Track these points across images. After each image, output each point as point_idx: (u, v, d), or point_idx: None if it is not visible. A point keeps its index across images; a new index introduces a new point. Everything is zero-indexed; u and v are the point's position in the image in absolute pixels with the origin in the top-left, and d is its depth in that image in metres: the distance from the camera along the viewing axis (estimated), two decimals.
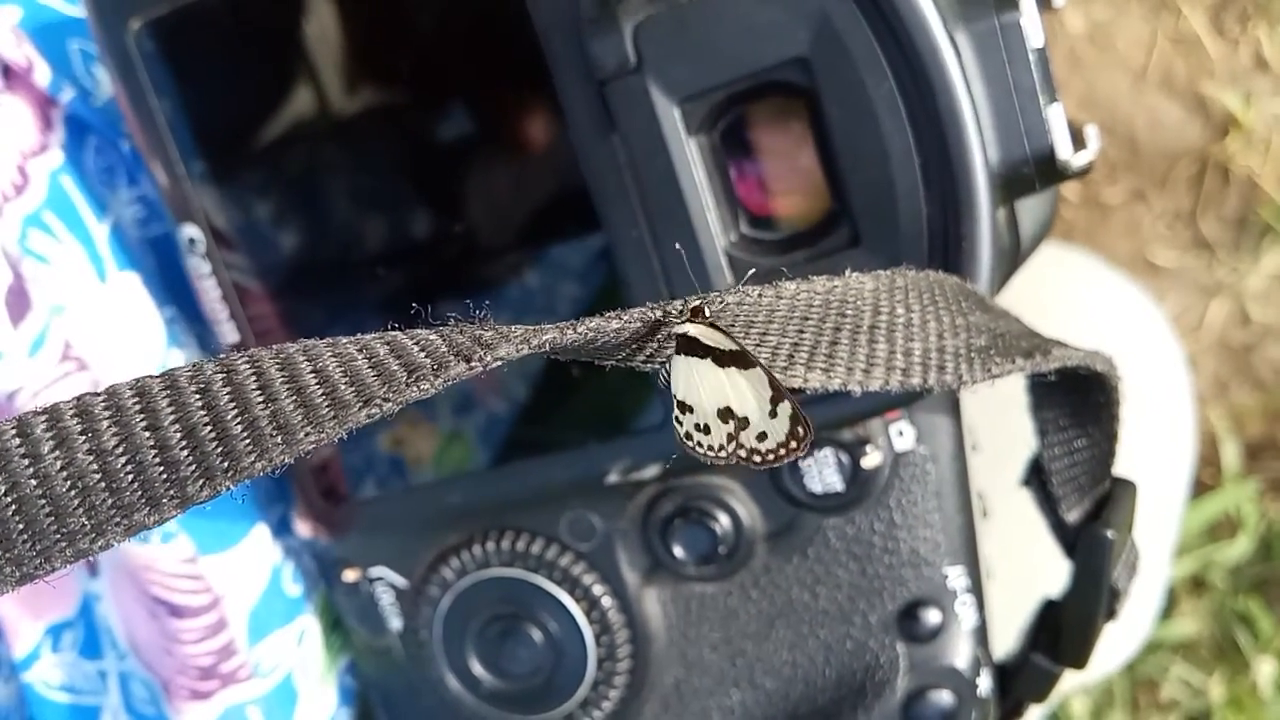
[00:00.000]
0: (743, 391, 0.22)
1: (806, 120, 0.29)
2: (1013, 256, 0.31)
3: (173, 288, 0.37)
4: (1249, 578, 0.86)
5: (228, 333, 0.35)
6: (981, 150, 0.28)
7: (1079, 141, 0.29)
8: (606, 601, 0.35)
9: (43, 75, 0.34)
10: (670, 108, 0.29)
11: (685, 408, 0.22)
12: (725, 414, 0.22)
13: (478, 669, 0.37)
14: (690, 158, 0.30)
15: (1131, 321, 0.57)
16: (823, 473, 0.32)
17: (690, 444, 0.23)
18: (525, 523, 0.35)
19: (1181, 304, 0.89)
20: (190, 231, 0.35)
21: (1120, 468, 0.33)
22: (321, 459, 0.36)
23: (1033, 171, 0.29)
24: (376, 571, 0.37)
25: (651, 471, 0.33)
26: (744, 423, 0.22)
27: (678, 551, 0.34)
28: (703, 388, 0.22)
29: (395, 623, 0.38)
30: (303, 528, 0.37)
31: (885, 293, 0.24)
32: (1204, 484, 0.85)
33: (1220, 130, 0.87)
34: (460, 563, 0.36)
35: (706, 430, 0.22)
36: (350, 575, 0.38)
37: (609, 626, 0.35)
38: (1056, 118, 0.28)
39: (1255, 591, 0.85)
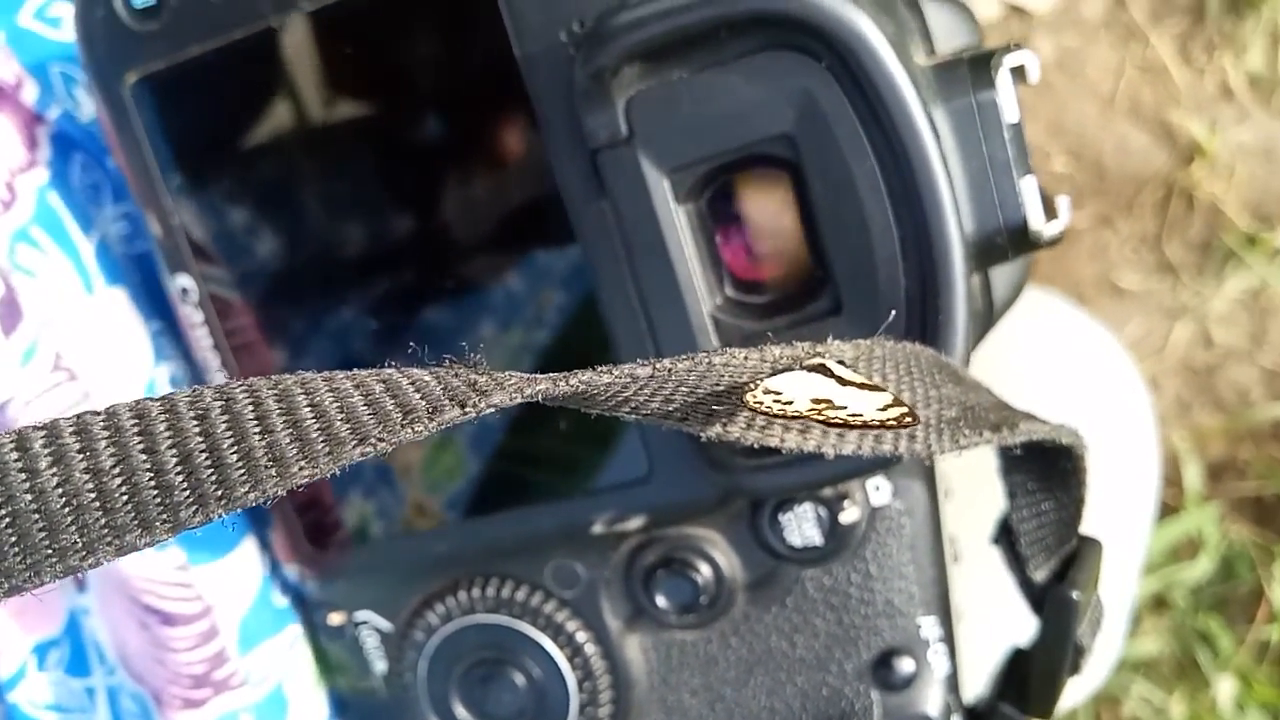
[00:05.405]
0: (854, 396, 0.23)
1: (791, 190, 0.30)
2: (985, 320, 0.32)
3: (158, 302, 0.37)
4: (1209, 597, 0.88)
5: (218, 381, 0.36)
6: (957, 225, 0.28)
7: (1051, 211, 0.30)
8: (589, 648, 0.36)
9: (30, 92, 0.34)
10: (660, 177, 0.30)
11: (771, 392, 0.23)
12: (821, 402, 0.23)
13: (461, 712, 0.37)
14: (678, 224, 0.30)
15: (1091, 353, 0.58)
16: (802, 527, 0.33)
17: (756, 401, 0.23)
18: (510, 570, 0.36)
19: (1146, 327, 0.91)
20: (184, 281, 0.35)
21: (1088, 510, 0.34)
22: (309, 498, 0.37)
23: (1006, 241, 0.30)
24: (362, 615, 0.38)
25: (636, 523, 0.34)
26: (840, 408, 0.23)
27: (660, 600, 0.35)
28: (805, 387, 0.23)
29: (380, 665, 0.38)
30: (289, 569, 0.38)
31: (864, 361, 0.25)
32: (1167, 505, 0.87)
33: (1185, 157, 0.89)
34: (445, 608, 0.36)
35: (789, 402, 0.23)
36: (335, 619, 0.38)
37: (591, 672, 0.36)
38: (1029, 190, 0.29)
39: (1215, 611, 0.87)
